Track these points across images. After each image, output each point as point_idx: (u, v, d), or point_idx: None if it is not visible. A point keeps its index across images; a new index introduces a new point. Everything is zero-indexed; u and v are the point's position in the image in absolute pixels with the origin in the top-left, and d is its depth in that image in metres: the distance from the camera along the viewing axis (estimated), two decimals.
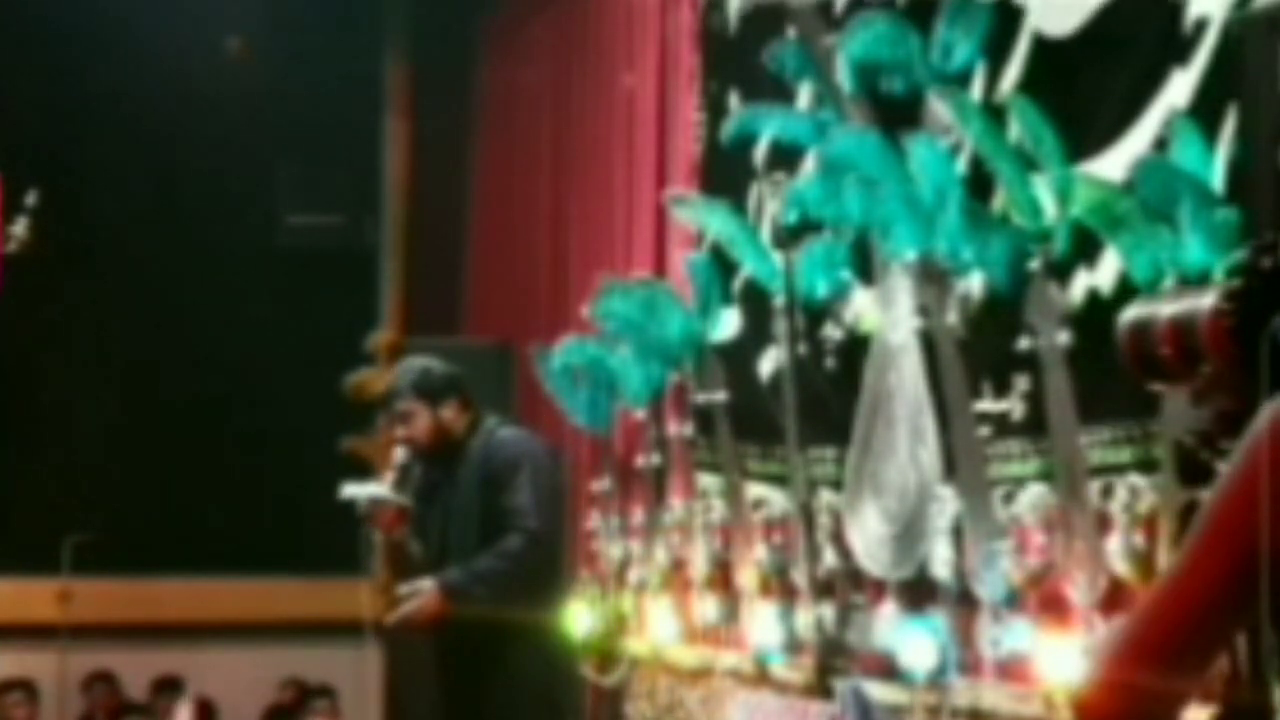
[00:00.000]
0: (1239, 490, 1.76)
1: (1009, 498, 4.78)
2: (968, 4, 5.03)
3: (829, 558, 5.63)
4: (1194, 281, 3.92)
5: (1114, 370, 4.03)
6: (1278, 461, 1.73)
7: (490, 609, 6.11)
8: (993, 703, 4.76)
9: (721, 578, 6.53)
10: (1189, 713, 1.81)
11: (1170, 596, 1.79)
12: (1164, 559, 4.12)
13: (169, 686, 9.80)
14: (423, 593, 6.16)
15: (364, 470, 9.91)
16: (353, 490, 6.43)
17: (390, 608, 6.35)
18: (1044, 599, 4.63)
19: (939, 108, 4.99)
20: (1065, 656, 4.42)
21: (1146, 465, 4.25)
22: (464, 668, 6.30)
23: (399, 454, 6.43)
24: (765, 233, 6.01)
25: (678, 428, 6.91)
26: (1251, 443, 1.76)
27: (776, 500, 6.11)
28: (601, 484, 7.43)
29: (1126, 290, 4.18)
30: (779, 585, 6.03)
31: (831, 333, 5.78)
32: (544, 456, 6.48)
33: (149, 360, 9.99)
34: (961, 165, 4.99)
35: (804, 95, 5.97)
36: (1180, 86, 4.23)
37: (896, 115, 5.26)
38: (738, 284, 6.44)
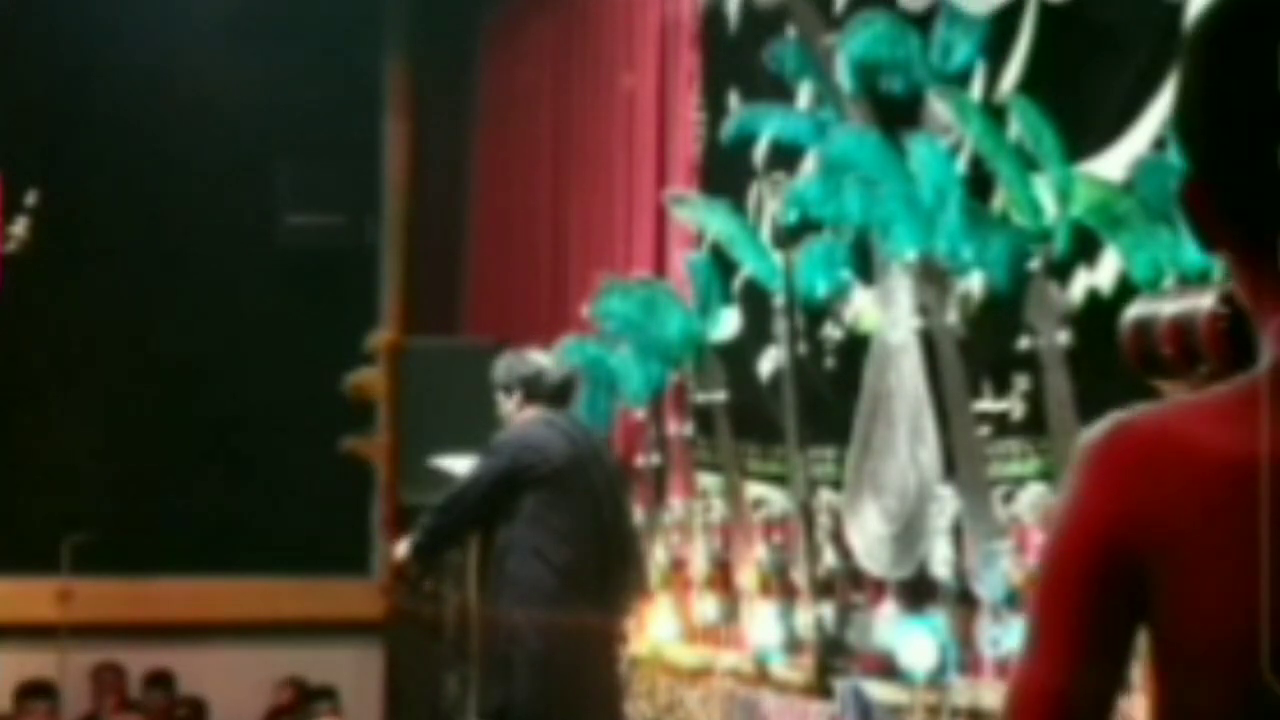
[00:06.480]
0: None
1: (1009, 497, 4.78)
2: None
3: (829, 558, 5.63)
4: (1194, 281, 3.92)
5: (1114, 370, 4.03)
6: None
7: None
8: (993, 702, 4.76)
9: (721, 577, 6.53)
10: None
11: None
12: None
13: (161, 682, 9.81)
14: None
15: (363, 471, 9.95)
16: (448, 462, 6.03)
17: (391, 609, 6.13)
18: None
19: (939, 108, 4.99)
20: None
21: None
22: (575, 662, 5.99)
23: None
24: (765, 233, 6.01)
25: (678, 427, 6.91)
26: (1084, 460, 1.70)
27: (776, 500, 6.11)
28: None
29: (1126, 290, 4.19)
30: (779, 585, 6.03)
31: (831, 333, 5.78)
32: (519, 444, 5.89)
33: (148, 360, 9.98)
34: (961, 165, 4.99)
35: (804, 95, 5.97)
36: None
37: (896, 115, 5.26)
38: (738, 284, 6.43)
